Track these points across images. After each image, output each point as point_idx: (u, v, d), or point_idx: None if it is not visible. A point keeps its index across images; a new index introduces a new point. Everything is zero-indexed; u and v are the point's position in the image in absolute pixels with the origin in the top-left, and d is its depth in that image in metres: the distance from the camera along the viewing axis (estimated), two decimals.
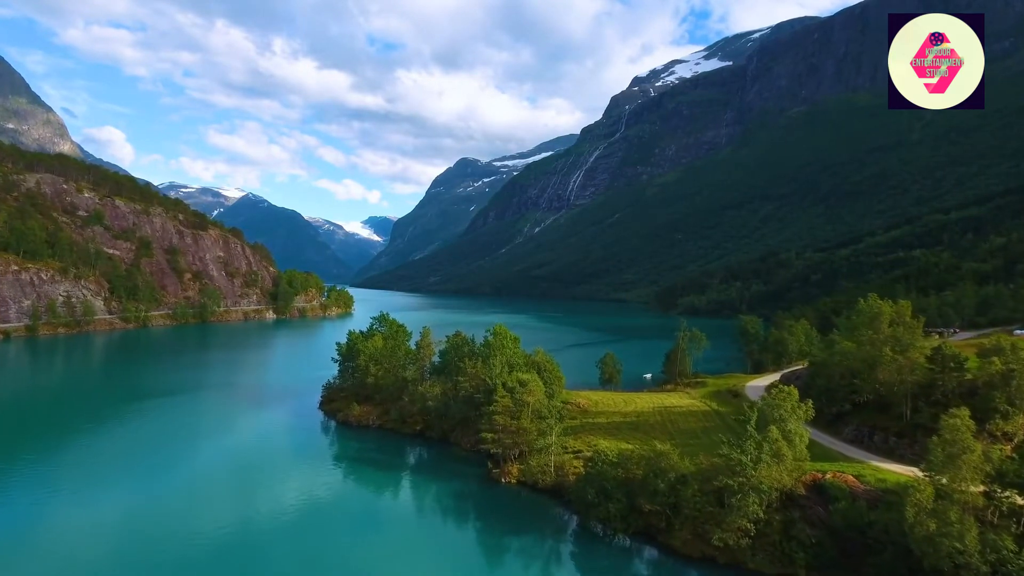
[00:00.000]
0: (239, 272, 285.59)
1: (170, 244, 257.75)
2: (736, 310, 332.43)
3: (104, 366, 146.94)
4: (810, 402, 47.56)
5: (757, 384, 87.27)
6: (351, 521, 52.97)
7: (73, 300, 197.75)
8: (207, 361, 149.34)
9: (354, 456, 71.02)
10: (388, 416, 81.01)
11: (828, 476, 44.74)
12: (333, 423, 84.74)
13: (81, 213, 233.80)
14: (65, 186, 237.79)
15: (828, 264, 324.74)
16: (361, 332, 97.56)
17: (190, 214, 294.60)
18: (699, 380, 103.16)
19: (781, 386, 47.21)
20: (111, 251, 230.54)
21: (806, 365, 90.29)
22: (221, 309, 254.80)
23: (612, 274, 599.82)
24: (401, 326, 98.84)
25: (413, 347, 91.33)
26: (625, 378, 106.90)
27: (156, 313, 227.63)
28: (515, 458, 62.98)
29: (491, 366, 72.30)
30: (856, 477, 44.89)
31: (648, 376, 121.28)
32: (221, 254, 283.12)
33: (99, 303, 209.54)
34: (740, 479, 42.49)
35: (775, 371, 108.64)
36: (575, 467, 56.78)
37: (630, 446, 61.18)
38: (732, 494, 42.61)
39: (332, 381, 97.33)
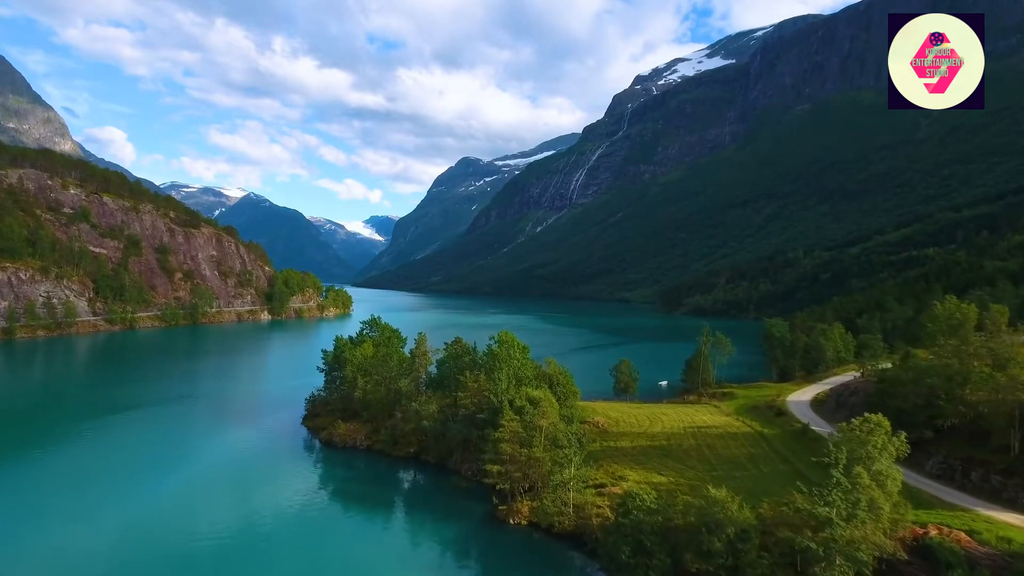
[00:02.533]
0: (233, 272, 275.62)
1: (160, 243, 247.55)
2: (744, 310, 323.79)
3: (76, 373, 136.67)
4: (903, 435, 37.77)
5: (799, 399, 76.73)
6: (332, 569, 43.37)
7: (54, 301, 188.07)
8: (189, 367, 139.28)
9: (337, 487, 60.86)
10: (378, 436, 70.79)
11: (932, 532, 34.96)
12: (317, 442, 74.78)
13: (66, 210, 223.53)
14: (50, 182, 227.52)
15: (837, 263, 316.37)
16: (350, 338, 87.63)
17: (182, 211, 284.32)
18: (725, 391, 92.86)
19: (867, 415, 37.42)
20: (97, 250, 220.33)
21: (859, 375, 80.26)
22: (213, 310, 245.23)
23: (615, 274, 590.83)
24: (394, 331, 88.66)
25: (408, 354, 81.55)
26: (640, 386, 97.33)
27: (144, 314, 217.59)
28: (525, 491, 53.01)
29: (496, 380, 62.18)
30: (968, 533, 35.13)
31: (664, 383, 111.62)
32: (214, 253, 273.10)
33: (83, 304, 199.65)
34: (826, 537, 32.73)
35: (806, 379, 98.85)
36: (598, 507, 46.87)
37: (663, 478, 51.51)
38: (815, 560, 32.76)
39: (317, 392, 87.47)
